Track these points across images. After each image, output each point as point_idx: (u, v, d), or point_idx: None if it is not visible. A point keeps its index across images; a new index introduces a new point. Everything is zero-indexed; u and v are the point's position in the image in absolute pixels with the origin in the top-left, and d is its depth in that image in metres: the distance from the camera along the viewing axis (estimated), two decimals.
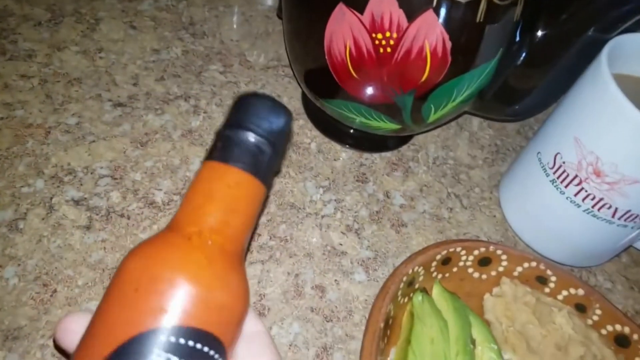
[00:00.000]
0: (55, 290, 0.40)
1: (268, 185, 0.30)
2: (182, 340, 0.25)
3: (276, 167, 0.32)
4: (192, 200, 0.28)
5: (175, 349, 0.24)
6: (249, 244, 0.30)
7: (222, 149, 0.29)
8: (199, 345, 0.25)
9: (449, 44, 0.39)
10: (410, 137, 0.56)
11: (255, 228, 0.29)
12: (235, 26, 0.62)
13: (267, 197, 0.29)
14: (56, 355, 0.37)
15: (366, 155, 0.54)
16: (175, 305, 0.25)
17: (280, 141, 0.30)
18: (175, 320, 0.25)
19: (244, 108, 0.29)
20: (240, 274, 0.28)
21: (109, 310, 0.26)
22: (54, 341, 0.29)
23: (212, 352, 0.26)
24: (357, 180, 0.52)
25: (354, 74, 0.42)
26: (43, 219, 0.43)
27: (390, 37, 0.39)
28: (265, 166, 0.29)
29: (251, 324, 0.29)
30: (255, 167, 0.29)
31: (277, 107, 0.29)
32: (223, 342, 0.26)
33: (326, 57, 0.42)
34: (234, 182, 0.28)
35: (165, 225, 0.30)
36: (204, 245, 0.27)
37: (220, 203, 0.28)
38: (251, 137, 0.29)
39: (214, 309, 0.26)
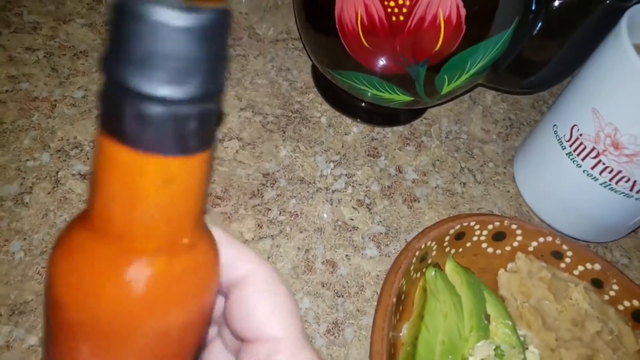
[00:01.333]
0: None
1: (209, 148, 0.19)
2: None
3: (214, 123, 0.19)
4: (105, 197, 0.18)
5: None
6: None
7: (104, 115, 0.17)
8: None
9: (463, 12, 0.38)
10: (422, 111, 0.55)
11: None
12: None
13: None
14: None
15: (378, 129, 0.53)
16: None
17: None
18: None
19: (126, 31, 0.15)
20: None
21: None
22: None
23: None
24: (368, 155, 0.51)
25: (366, 44, 0.40)
26: (49, 193, 0.43)
27: (403, 4, 0.38)
28: (205, 133, 0.18)
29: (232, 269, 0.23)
30: (187, 144, 0.17)
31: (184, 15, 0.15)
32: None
33: (337, 26, 0.41)
34: (161, 179, 0.18)
35: None
36: (145, 250, 0.19)
37: (140, 198, 0.18)
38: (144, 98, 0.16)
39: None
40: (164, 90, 0.16)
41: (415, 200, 0.49)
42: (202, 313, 0.21)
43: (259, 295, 0.22)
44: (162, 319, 0.19)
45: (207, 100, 0.17)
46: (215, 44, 0.16)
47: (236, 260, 0.23)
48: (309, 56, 0.54)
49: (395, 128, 0.53)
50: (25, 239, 0.40)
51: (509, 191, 0.52)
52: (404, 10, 0.38)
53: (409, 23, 0.38)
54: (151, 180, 0.17)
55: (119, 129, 0.16)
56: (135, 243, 0.18)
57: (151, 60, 0.15)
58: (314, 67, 0.56)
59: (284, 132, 0.50)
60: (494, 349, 0.38)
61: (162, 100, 0.16)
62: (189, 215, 0.19)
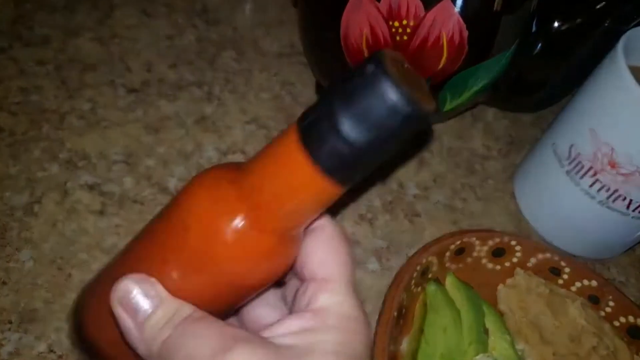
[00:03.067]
0: (69, 274, 0.40)
1: (347, 186, 0.24)
2: None
3: (370, 170, 0.24)
4: (266, 176, 0.24)
5: None
6: None
7: (316, 140, 0.22)
8: None
9: (465, 33, 0.39)
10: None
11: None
12: (248, 13, 0.62)
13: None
14: (71, 338, 0.38)
15: None
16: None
17: (386, 144, 0.22)
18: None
19: (356, 87, 0.21)
20: (273, 254, 0.26)
21: (152, 239, 0.27)
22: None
23: None
24: None
25: None
26: (58, 203, 0.44)
27: (408, 25, 0.39)
28: (352, 172, 0.23)
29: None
30: (344, 175, 0.23)
31: (399, 100, 0.20)
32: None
33: (342, 44, 0.42)
34: (314, 188, 0.23)
35: None
36: (264, 228, 0.24)
37: (293, 200, 0.24)
38: (348, 138, 0.21)
39: (245, 288, 0.26)
40: (357, 141, 0.21)
41: (416, 215, 0.50)
42: (267, 284, 0.27)
43: (322, 243, 0.27)
44: (243, 272, 0.25)
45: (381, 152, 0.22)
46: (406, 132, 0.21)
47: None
48: (312, 71, 0.55)
49: None
50: (34, 248, 0.41)
51: (508, 207, 0.53)
52: (408, 30, 0.39)
53: (412, 43, 0.39)
54: (313, 191, 0.23)
55: (316, 149, 0.22)
56: (265, 218, 0.24)
57: (367, 121, 0.21)
58: (317, 82, 0.57)
59: None
60: None
61: (351, 145, 0.21)
62: (307, 222, 0.26)
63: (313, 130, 0.22)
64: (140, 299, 0.24)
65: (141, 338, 0.24)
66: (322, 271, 0.26)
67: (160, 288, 0.25)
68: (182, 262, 0.25)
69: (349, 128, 0.21)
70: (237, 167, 0.25)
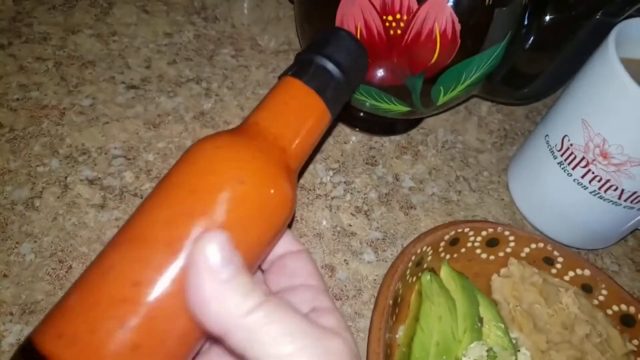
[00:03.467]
0: (70, 267, 0.41)
1: (333, 113, 0.32)
2: None
3: (345, 99, 0.34)
4: (265, 111, 0.30)
5: None
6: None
7: (300, 69, 0.31)
8: None
9: (458, 26, 0.40)
10: (419, 120, 0.57)
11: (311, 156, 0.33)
12: (246, 11, 0.63)
13: (329, 127, 0.34)
14: None
15: (376, 138, 0.55)
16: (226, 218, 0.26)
17: (353, 74, 0.33)
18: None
19: (325, 38, 0.33)
20: (294, 194, 0.30)
21: (161, 205, 0.26)
22: None
23: None
24: (366, 163, 0.53)
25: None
26: (58, 197, 0.44)
27: (401, 19, 0.39)
28: (335, 94, 0.32)
29: (291, 245, 0.32)
30: (326, 93, 0.31)
31: (356, 43, 0.33)
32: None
33: None
34: (305, 101, 0.31)
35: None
36: (270, 158, 0.28)
37: (290, 118, 0.30)
38: (328, 65, 0.32)
39: (264, 224, 0.28)
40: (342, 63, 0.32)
41: (411, 207, 0.51)
42: (270, 228, 0.29)
43: (310, 261, 0.32)
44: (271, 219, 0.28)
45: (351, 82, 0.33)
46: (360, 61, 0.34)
47: (292, 239, 0.33)
48: None
49: (392, 137, 0.55)
50: (35, 241, 0.42)
51: (503, 199, 0.54)
52: (402, 24, 0.40)
53: (406, 36, 0.40)
54: (315, 115, 0.31)
55: (310, 77, 0.31)
56: (284, 156, 0.29)
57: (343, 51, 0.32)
58: None
59: None
60: (487, 351, 0.40)
61: (338, 65, 0.32)
62: (306, 147, 0.31)
63: (304, 67, 0.31)
64: (224, 263, 0.25)
65: (214, 302, 0.24)
66: (313, 281, 0.31)
67: (239, 257, 0.25)
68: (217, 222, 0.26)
69: (334, 54, 0.32)
70: (229, 131, 0.29)
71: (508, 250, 0.46)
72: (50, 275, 0.40)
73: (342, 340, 0.26)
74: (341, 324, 0.28)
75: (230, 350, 0.25)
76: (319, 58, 0.32)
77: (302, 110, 0.31)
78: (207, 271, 0.24)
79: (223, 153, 0.27)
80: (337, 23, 0.42)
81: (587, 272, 0.44)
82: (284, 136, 0.29)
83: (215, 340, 0.27)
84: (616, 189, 0.43)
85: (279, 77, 0.32)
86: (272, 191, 0.27)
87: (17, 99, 0.49)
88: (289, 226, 0.33)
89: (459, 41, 0.40)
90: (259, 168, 0.27)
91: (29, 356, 0.24)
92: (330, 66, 0.31)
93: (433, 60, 0.41)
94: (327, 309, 0.29)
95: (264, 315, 0.24)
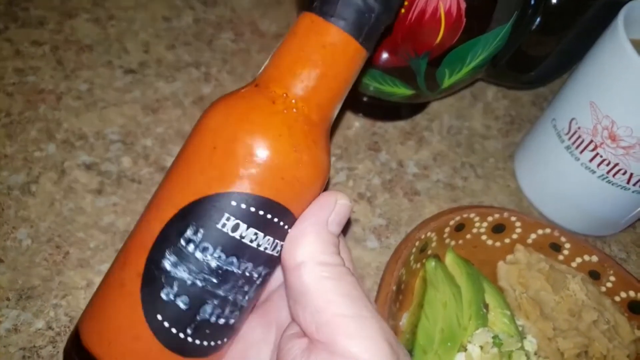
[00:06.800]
0: (67, 252, 0.40)
1: (369, 48, 0.27)
2: (252, 209, 0.25)
3: (384, 28, 0.28)
4: (283, 57, 0.26)
5: (244, 215, 0.25)
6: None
7: (324, 1, 0.26)
8: (269, 215, 0.25)
9: (463, 5, 0.39)
10: (424, 106, 0.56)
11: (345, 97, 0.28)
12: None
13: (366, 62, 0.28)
14: (69, 315, 0.38)
15: (379, 124, 0.54)
16: (250, 172, 0.25)
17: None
18: (248, 187, 0.25)
19: None
20: (322, 147, 0.27)
21: (185, 165, 0.26)
22: None
23: (281, 223, 0.26)
24: (369, 149, 0.52)
25: None
26: (55, 182, 0.43)
27: None
28: (371, 27, 0.26)
29: None
30: (359, 28, 0.26)
31: None
32: (293, 213, 0.27)
33: None
34: (331, 43, 0.26)
35: None
36: (288, 112, 0.26)
37: (313, 66, 0.26)
38: None
39: (289, 180, 0.25)
40: None
41: (416, 193, 0.50)
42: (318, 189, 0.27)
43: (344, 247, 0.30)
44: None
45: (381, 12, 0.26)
46: None
47: None
48: None
49: (396, 123, 0.54)
50: (32, 226, 0.41)
51: (509, 186, 0.53)
52: (405, 3, 0.39)
53: (409, 16, 0.39)
54: (344, 55, 0.26)
55: (336, 9, 0.25)
56: (309, 108, 0.26)
57: None
58: None
59: None
60: (493, 338, 0.39)
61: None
62: (334, 96, 0.27)
63: (326, 4, 0.25)
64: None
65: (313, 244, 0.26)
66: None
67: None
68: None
69: None
70: (241, 94, 0.27)
71: (514, 236, 0.45)
72: (47, 261, 0.40)
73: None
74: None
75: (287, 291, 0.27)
76: None
77: (331, 55, 0.26)
78: (322, 213, 0.27)
79: (235, 118, 0.26)
80: None
81: (594, 258, 0.43)
82: (309, 92, 0.26)
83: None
84: (625, 172, 0.42)
85: (298, 14, 0.27)
86: (295, 155, 0.25)
87: (13, 84, 0.48)
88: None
89: (464, 20, 0.39)
90: (279, 135, 0.25)
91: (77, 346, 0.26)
92: None
93: (438, 40, 0.40)
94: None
95: (339, 273, 0.26)
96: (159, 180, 0.45)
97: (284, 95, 0.26)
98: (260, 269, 0.26)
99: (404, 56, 0.42)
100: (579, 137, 0.43)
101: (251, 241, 0.25)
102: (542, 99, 0.61)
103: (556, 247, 0.44)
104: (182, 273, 0.25)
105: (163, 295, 0.25)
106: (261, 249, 0.26)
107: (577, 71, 0.45)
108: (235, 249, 0.25)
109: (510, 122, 0.58)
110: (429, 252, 0.43)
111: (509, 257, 0.45)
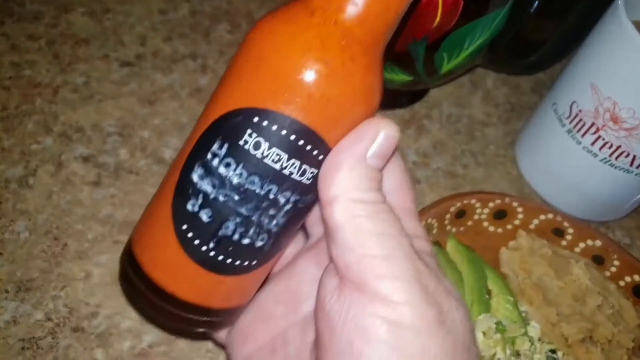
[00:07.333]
0: (65, 244, 0.40)
1: None
2: (274, 127, 0.24)
3: None
4: None
5: (267, 133, 0.24)
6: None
7: None
8: (293, 137, 0.24)
9: None
10: (423, 93, 0.55)
11: (401, 25, 0.26)
12: None
13: None
14: (68, 306, 0.37)
15: (378, 112, 0.53)
16: (274, 87, 0.24)
17: None
18: (271, 103, 0.24)
19: None
20: (364, 66, 0.25)
21: (222, 81, 0.26)
22: None
23: (309, 148, 0.25)
24: None
25: None
26: (52, 175, 0.43)
27: None
28: None
29: None
30: None
31: None
32: (325, 139, 0.25)
33: None
34: None
35: None
36: (324, 25, 0.24)
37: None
38: None
39: (317, 99, 0.24)
40: None
41: (416, 182, 0.49)
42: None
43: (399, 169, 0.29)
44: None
45: None
46: None
47: None
48: None
49: (395, 111, 0.54)
50: (30, 219, 0.41)
51: (510, 173, 0.52)
52: None
53: None
54: None
55: None
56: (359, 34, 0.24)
57: None
58: None
59: None
60: (495, 324, 0.39)
61: None
62: (384, 12, 0.24)
63: None
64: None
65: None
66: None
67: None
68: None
69: None
70: (281, 13, 0.25)
71: (516, 222, 0.44)
72: (45, 253, 0.39)
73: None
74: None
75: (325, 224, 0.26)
76: None
77: None
78: (361, 143, 0.25)
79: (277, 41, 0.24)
80: None
81: (598, 242, 0.43)
82: (351, 4, 0.24)
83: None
84: (627, 155, 0.42)
85: None
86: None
87: (10, 78, 0.48)
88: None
89: (462, 3, 0.39)
90: (308, 48, 0.23)
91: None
92: None
93: (435, 24, 0.40)
94: (417, 236, 0.28)
95: (374, 211, 0.24)
96: (156, 172, 0.45)
97: (324, 6, 0.24)
98: (287, 194, 0.25)
99: (402, 41, 0.41)
100: (580, 120, 0.43)
101: (274, 162, 0.24)
102: (542, 86, 0.61)
103: (559, 233, 0.44)
104: (206, 186, 0.25)
105: (189, 207, 0.25)
106: (285, 172, 0.24)
107: (578, 54, 0.45)
108: (257, 168, 0.24)
109: (510, 109, 0.57)
110: (430, 238, 0.42)
111: (512, 243, 0.45)
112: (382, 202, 0.25)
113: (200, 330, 0.30)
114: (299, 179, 0.25)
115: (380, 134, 0.25)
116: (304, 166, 0.25)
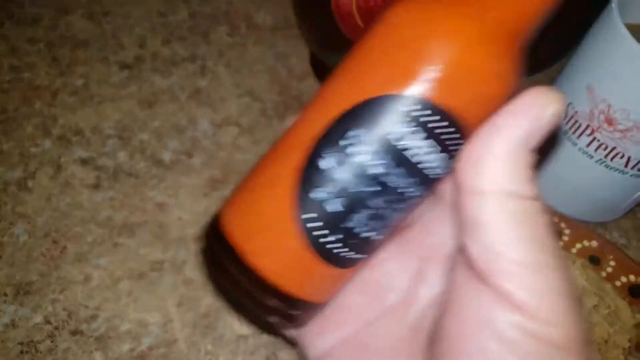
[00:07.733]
0: (65, 247, 0.40)
1: None
2: (422, 118, 0.22)
3: None
4: None
5: (412, 124, 0.22)
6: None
7: None
8: (439, 129, 0.22)
9: None
10: None
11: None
12: None
13: None
14: (67, 309, 0.38)
15: None
16: (426, 76, 0.22)
17: None
18: (421, 92, 0.22)
19: None
20: (510, 58, 0.24)
21: (360, 63, 0.24)
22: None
23: (453, 139, 0.23)
24: None
25: (361, 24, 0.41)
26: (52, 177, 0.43)
27: None
28: None
29: None
30: None
31: None
32: (467, 127, 0.23)
33: (332, 8, 0.42)
34: None
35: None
36: (479, 16, 0.23)
37: None
38: None
39: (475, 92, 0.22)
40: None
41: None
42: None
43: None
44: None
45: None
46: None
47: None
48: (306, 43, 0.54)
49: None
50: (29, 222, 0.41)
51: None
52: None
53: None
54: None
55: None
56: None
57: None
58: (312, 54, 0.56)
59: (283, 118, 0.51)
60: None
61: None
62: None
63: None
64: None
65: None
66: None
67: None
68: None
69: None
70: None
71: None
72: (44, 256, 0.40)
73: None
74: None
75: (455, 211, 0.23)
76: None
77: None
78: (521, 125, 0.21)
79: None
80: None
81: (594, 243, 0.43)
82: None
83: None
84: (622, 156, 0.42)
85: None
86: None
87: (9, 80, 0.48)
88: None
89: None
90: (466, 39, 0.22)
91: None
92: None
93: None
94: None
95: (526, 209, 0.21)
96: (156, 174, 0.45)
97: None
98: (415, 188, 0.24)
99: None
100: (576, 121, 0.43)
101: (414, 155, 0.23)
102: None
103: (556, 234, 0.44)
104: (337, 175, 0.23)
105: (314, 195, 0.23)
106: (420, 166, 0.23)
107: (574, 56, 0.45)
108: (396, 160, 0.23)
109: None
110: None
111: None
112: (537, 197, 0.22)
113: (291, 326, 0.28)
114: (431, 174, 0.24)
115: (546, 113, 0.21)
116: (441, 161, 0.23)
